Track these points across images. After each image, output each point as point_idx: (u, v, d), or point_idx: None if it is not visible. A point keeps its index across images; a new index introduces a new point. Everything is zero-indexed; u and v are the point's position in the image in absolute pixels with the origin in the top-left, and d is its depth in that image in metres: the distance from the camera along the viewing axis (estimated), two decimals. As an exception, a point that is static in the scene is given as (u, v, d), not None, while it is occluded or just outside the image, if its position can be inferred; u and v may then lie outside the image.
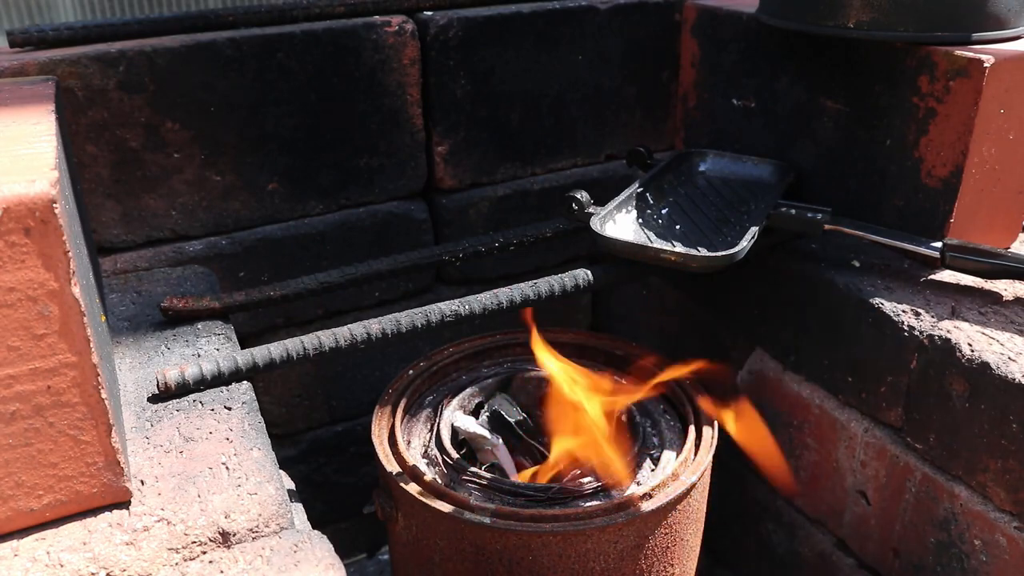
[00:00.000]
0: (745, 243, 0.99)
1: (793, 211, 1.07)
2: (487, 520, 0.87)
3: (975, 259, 0.97)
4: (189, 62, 1.09)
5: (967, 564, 0.94)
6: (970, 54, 0.95)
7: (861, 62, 1.08)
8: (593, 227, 1.04)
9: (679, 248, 1.04)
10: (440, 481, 0.93)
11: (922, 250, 0.99)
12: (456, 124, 1.30)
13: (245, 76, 1.13)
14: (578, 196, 1.11)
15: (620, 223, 1.11)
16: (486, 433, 1.04)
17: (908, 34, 1.00)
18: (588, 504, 0.90)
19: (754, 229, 1.02)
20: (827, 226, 1.05)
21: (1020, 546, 0.88)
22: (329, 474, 1.43)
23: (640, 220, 1.14)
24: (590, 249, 1.48)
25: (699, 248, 1.05)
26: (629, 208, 1.14)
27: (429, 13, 1.24)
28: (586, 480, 0.94)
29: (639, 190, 1.16)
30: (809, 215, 1.06)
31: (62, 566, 0.64)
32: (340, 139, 1.23)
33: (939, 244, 0.98)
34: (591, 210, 1.10)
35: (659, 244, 1.06)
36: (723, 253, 0.97)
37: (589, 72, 1.37)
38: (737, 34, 1.27)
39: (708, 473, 0.99)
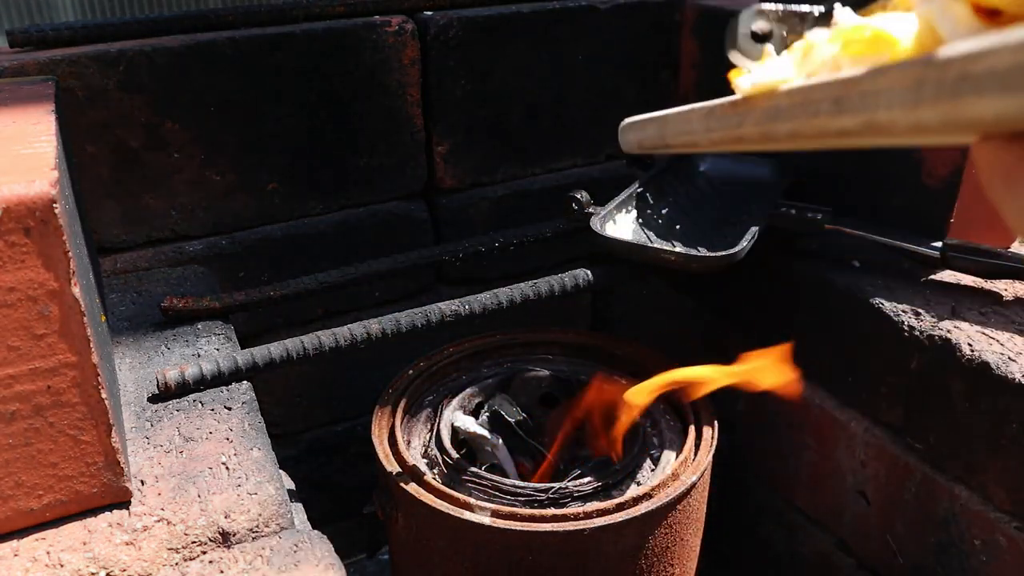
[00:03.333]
0: (745, 243, 0.99)
1: (793, 211, 1.07)
2: (487, 520, 0.87)
3: (975, 259, 0.97)
4: (189, 62, 1.09)
5: (967, 564, 0.94)
6: (970, 54, 0.95)
7: (861, 62, 1.07)
8: (593, 227, 1.03)
9: (679, 248, 1.04)
10: (440, 481, 0.93)
11: (922, 250, 0.99)
12: (456, 124, 1.30)
13: (245, 76, 1.13)
14: (578, 196, 1.11)
15: (620, 223, 1.11)
16: (486, 433, 1.04)
17: (908, 34, 1.00)
18: (588, 504, 0.90)
19: (754, 229, 1.02)
20: (827, 226, 1.05)
21: (1020, 546, 0.88)
22: (329, 474, 1.43)
23: (640, 220, 1.14)
24: (590, 249, 1.47)
25: (699, 248, 1.05)
26: (629, 208, 1.14)
27: (429, 13, 1.24)
28: (586, 480, 0.94)
29: (639, 190, 1.16)
30: (809, 215, 1.06)
31: (62, 566, 0.64)
32: (340, 139, 1.23)
33: (939, 244, 0.98)
34: (591, 210, 1.10)
35: (659, 244, 1.06)
36: (723, 253, 0.97)
37: (589, 72, 1.37)
38: (737, 34, 1.27)
39: (708, 473, 0.99)
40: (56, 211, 0.58)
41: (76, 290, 0.61)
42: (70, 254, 0.60)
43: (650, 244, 1.06)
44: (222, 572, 0.67)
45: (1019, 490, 0.86)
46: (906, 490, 1.00)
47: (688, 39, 1.39)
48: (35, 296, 0.60)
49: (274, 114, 1.17)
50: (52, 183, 0.58)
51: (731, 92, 0.39)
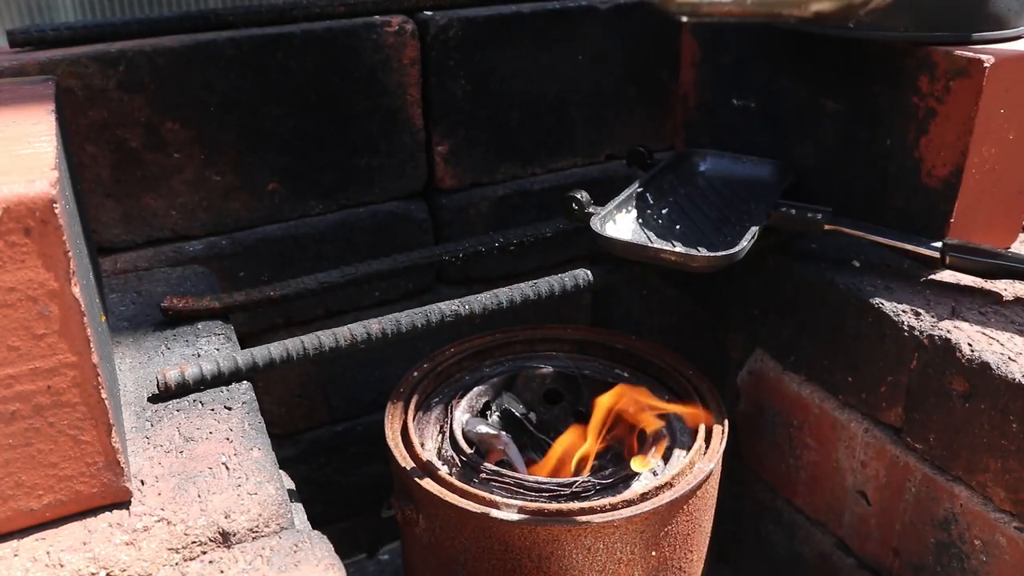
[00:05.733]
0: (745, 243, 0.99)
1: (793, 211, 1.07)
2: (515, 516, 0.87)
3: (975, 259, 0.97)
4: (189, 62, 1.09)
5: (967, 564, 0.94)
6: (970, 54, 0.95)
7: (861, 62, 1.07)
8: (593, 227, 1.04)
9: (679, 248, 1.04)
10: (461, 480, 0.94)
11: (922, 250, 0.99)
12: (456, 124, 1.30)
13: (245, 76, 1.13)
14: (578, 196, 1.11)
15: (620, 223, 1.11)
16: (496, 432, 1.04)
17: (908, 34, 1.00)
18: (612, 496, 0.91)
19: (754, 229, 1.02)
20: (827, 226, 1.05)
21: (1020, 546, 0.88)
22: (329, 474, 1.43)
23: (640, 220, 1.14)
24: (590, 249, 1.48)
25: (699, 248, 1.05)
26: (629, 208, 1.14)
27: (429, 13, 1.24)
28: (606, 472, 0.95)
29: (639, 190, 1.16)
30: (809, 215, 1.06)
31: (62, 566, 0.64)
32: (340, 139, 1.23)
33: (939, 244, 0.98)
34: (591, 210, 1.10)
35: (659, 244, 1.06)
36: (723, 253, 0.97)
37: (589, 72, 1.37)
38: (737, 34, 1.27)
39: (720, 462, 1.01)
40: (56, 211, 0.58)
41: (76, 290, 0.61)
42: (70, 254, 0.60)
43: (650, 244, 1.06)
44: (222, 572, 0.67)
45: (1019, 490, 0.86)
46: (906, 490, 1.01)
47: (688, 39, 1.39)
48: (35, 296, 0.60)
49: (274, 114, 1.17)
50: (52, 183, 0.58)
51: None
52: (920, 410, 0.96)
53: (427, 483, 0.92)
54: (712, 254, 0.98)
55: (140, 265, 1.16)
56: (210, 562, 0.68)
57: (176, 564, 0.67)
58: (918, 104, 1.01)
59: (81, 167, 1.07)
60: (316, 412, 1.38)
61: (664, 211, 1.16)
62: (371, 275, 1.10)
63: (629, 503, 0.89)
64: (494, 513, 0.88)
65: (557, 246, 1.43)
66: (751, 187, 1.21)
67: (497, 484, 0.93)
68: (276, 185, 1.21)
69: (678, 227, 1.12)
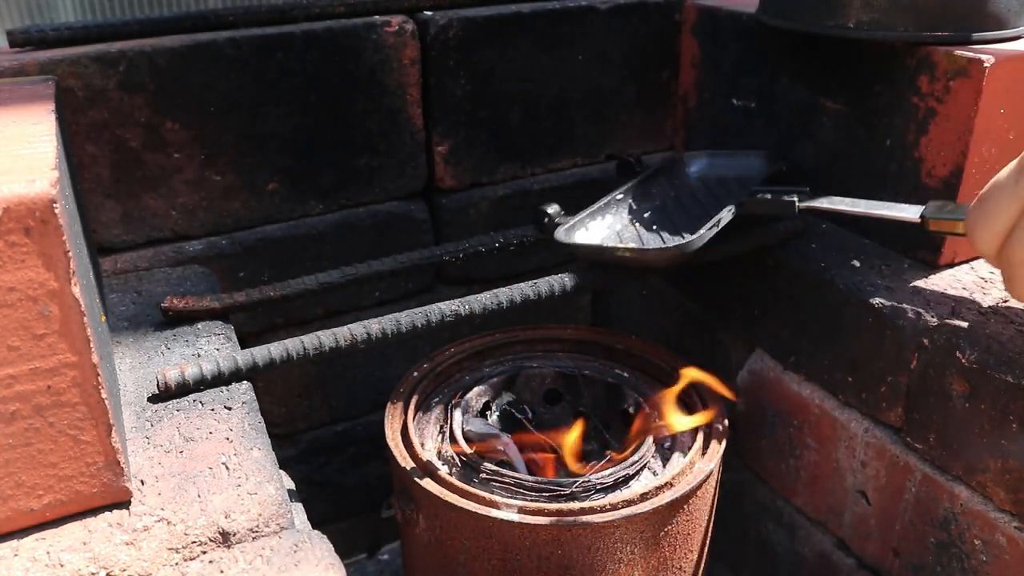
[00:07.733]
0: (704, 231, 0.97)
1: (768, 195, 1.05)
2: (515, 517, 0.87)
3: (956, 218, 0.93)
4: (189, 62, 1.09)
5: (967, 564, 0.94)
6: (970, 54, 0.95)
7: (861, 62, 1.08)
8: (557, 237, 1.03)
9: (631, 244, 1.03)
10: (461, 480, 0.94)
11: (903, 215, 0.96)
12: (456, 124, 1.30)
13: (245, 76, 1.13)
14: (549, 211, 1.10)
15: (592, 229, 1.10)
16: (496, 432, 1.05)
17: (908, 34, 1.00)
18: (612, 496, 0.91)
19: (717, 217, 1.00)
20: (800, 204, 1.02)
21: (1020, 546, 0.88)
22: (329, 474, 1.43)
23: (618, 225, 1.13)
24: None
25: (661, 242, 1.04)
26: (604, 215, 1.13)
27: (429, 13, 1.24)
28: (606, 472, 0.95)
29: (618, 196, 1.16)
30: (785, 198, 1.03)
31: (62, 566, 0.64)
32: (340, 139, 1.23)
33: (919, 208, 0.94)
34: (559, 220, 1.09)
35: (613, 243, 1.05)
36: (673, 244, 0.96)
37: (589, 72, 1.37)
38: (737, 34, 1.27)
39: (720, 462, 1.01)
40: (56, 211, 0.58)
41: (76, 290, 0.61)
42: (70, 254, 0.60)
43: (606, 244, 1.05)
44: (222, 572, 0.67)
45: (1019, 490, 0.86)
46: (906, 490, 1.01)
47: (688, 39, 1.39)
48: (35, 296, 0.60)
49: (274, 114, 1.17)
50: (52, 183, 0.58)
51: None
52: (920, 410, 0.96)
53: (427, 483, 0.92)
54: (665, 246, 0.97)
55: (140, 265, 1.16)
56: (210, 562, 0.68)
57: (176, 564, 0.67)
58: (918, 104, 1.01)
59: (81, 167, 1.07)
60: (316, 412, 1.38)
61: (647, 214, 1.16)
62: (371, 275, 1.10)
63: (629, 503, 0.89)
64: (494, 513, 0.88)
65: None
66: (743, 182, 1.21)
67: (497, 484, 0.93)
68: (276, 185, 1.21)
69: (655, 227, 1.11)
